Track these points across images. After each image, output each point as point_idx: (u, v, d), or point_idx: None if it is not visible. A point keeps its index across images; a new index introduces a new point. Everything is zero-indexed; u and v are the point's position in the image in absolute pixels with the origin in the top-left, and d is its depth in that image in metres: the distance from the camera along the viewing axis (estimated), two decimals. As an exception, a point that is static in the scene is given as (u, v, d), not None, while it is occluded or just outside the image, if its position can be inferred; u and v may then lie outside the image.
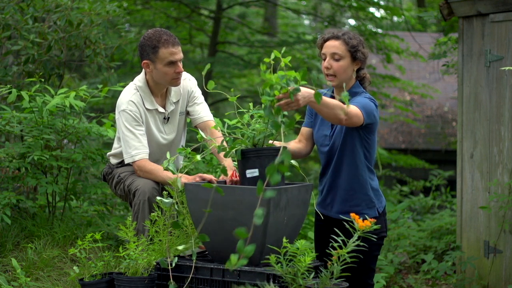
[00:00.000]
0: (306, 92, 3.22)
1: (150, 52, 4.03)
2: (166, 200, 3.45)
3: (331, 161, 3.81)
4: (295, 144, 3.90)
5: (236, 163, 3.58)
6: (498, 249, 5.46)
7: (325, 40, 3.76)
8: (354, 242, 3.20)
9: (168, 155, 3.51)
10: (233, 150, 3.38)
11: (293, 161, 3.52)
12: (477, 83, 5.59)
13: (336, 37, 3.73)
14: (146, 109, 4.12)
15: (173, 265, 3.42)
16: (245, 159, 3.36)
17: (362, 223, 3.20)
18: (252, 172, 3.35)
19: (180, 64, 4.06)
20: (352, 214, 3.25)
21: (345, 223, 3.33)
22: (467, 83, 5.65)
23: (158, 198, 3.51)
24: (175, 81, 4.09)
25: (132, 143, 4.04)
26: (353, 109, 3.55)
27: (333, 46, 3.72)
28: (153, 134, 4.15)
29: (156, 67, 4.04)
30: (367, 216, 3.46)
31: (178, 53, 4.03)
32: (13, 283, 4.09)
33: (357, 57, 3.72)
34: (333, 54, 3.71)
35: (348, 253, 3.21)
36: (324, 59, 3.75)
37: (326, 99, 3.41)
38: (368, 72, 4.15)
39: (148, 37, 4.04)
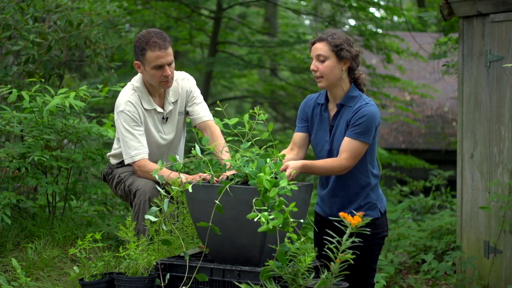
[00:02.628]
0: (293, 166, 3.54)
1: (139, 54, 4.01)
2: (153, 219, 3.45)
3: None
4: (287, 155, 3.77)
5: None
6: (498, 249, 5.46)
7: (313, 44, 3.78)
8: (347, 239, 3.19)
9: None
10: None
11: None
12: (477, 83, 5.59)
13: (321, 39, 3.74)
14: (144, 109, 4.10)
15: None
16: None
17: (354, 221, 3.18)
18: None
19: (169, 67, 3.99)
20: (341, 213, 3.24)
21: (336, 223, 3.31)
22: (467, 83, 5.64)
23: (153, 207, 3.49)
24: (164, 84, 4.05)
25: (131, 143, 4.03)
26: (350, 150, 3.63)
27: (318, 48, 3.73)
28: (152, 134, 4.14)
29: (145, 69, 4.02)
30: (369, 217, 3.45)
31: (165, 57, 3.97)
32: (13, 283, 4.08)
33: (343, 56, 3.70)
34: (318, 56, 3.72)
35: (349, 250, 3.20)
36: None
37: (316, 164, 3.64)
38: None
39: (139, 38, 4.01)
